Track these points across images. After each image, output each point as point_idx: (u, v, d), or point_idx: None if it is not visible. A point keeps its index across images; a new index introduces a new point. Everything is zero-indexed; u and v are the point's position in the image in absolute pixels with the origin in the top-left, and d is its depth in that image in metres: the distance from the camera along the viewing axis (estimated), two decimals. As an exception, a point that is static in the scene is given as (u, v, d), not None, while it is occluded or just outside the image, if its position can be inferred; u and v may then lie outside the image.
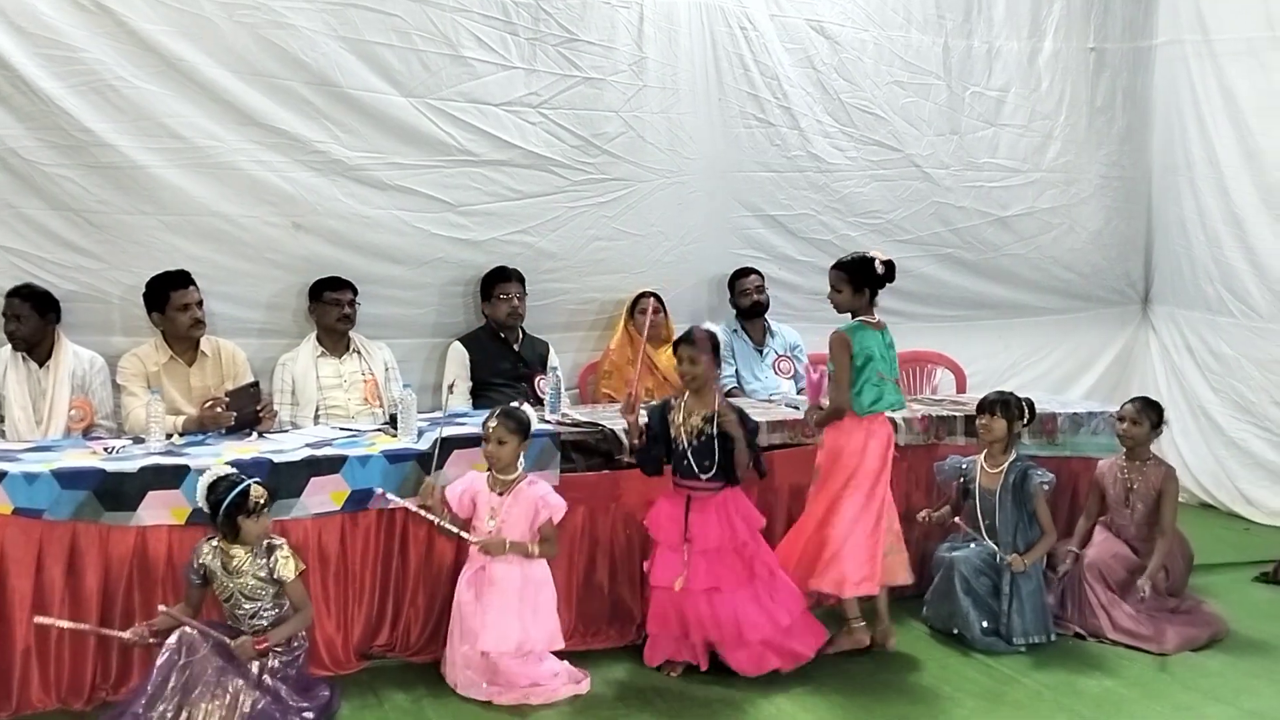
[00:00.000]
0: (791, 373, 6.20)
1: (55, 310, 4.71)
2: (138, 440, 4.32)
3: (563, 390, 5.02)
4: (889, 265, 4.39)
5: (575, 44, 5.65)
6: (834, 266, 4.45)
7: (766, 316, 6.27)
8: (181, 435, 4.47)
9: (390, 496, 4.07)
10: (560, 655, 4.09)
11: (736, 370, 6.12)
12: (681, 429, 4.20)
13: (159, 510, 3.86)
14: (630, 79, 5.83)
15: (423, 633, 4.27)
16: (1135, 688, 4.13)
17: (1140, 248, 7.43)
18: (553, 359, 5.63)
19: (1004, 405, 4.66)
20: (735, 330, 6.23)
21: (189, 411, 4.72)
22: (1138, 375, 7.40)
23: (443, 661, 4.11)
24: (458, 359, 5.53)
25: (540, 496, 4.04)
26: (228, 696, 3.51)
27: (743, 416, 4.20)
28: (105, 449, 4.10)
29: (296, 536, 4.01)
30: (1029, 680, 4.19)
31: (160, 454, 4.06)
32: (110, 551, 3.81)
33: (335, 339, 5.22)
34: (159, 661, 3.52)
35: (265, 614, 3.73)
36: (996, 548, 4.55)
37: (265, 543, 3.75)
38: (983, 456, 4.73)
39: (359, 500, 4.13)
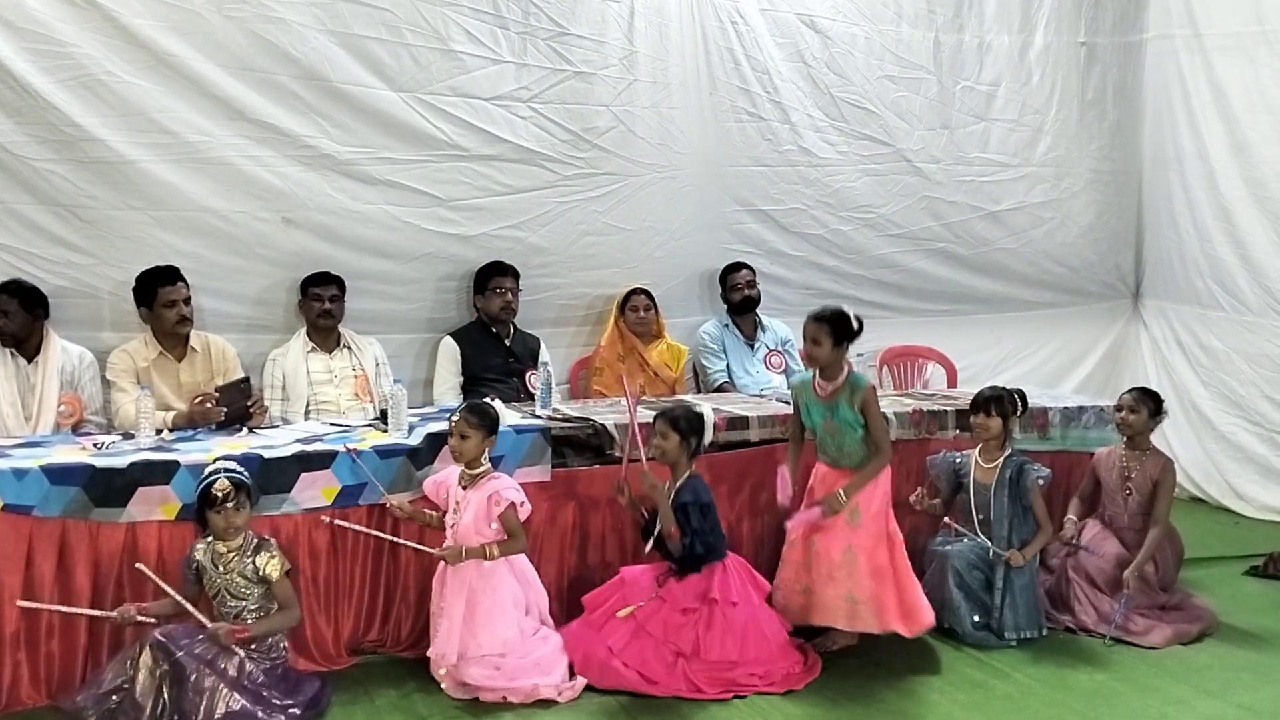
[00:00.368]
0: (783, 367, 6.21)
1: (43, 306, 4.69)
2: (127, 436, 4.30)
3: (554, 385, 5.01)
4: (860, 321, 4.32)
5: (566, 38, 5.64)
6: (816, 319, 4.26)
7: (758, 311, 6.27)
8: (171, 431, 4.46)
9: (340, 522, 4.07)
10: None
11: (728, 365, 6.13)
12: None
13: (149, 506, 3.84)
14: (621, 73, 5.82)
15: (413, 628, 4.26)
16: (1126, 682, 4.14)
17: (1131, 242, 7.45)
18: (544, 354, 5.64)
19: (998, 402, 4.66)
20: (726, 325, 6.24)
21: (179, 407, 4.71)
22: (1128, 369, 7.41)
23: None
24: (449, 354, 5.52)
25: (495, 490, 3.99)
26: (205, 696, 3.49)
27: (688, 503, 4.12)
28: (95, 445, 4.09)
29: (287, 532, 4.01)
30: (1020, 674, 4.20)
31: (150, 450, 4.05)
32: (100, 548, 3.80)
33: (324, 334, 5.21)
34: (133, 657, 3.55)
35: (251, 612, 3.72)
36: (989, 543, 4.55)
37: (254, 541, 3.74)
38: (977, 452, 4.73)
39: (350, 496, 4.12)
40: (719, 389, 6.02)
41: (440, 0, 5.32)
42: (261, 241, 5.14)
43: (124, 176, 4.82)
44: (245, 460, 3.89)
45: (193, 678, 3.50)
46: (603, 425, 4.51)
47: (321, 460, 4.08)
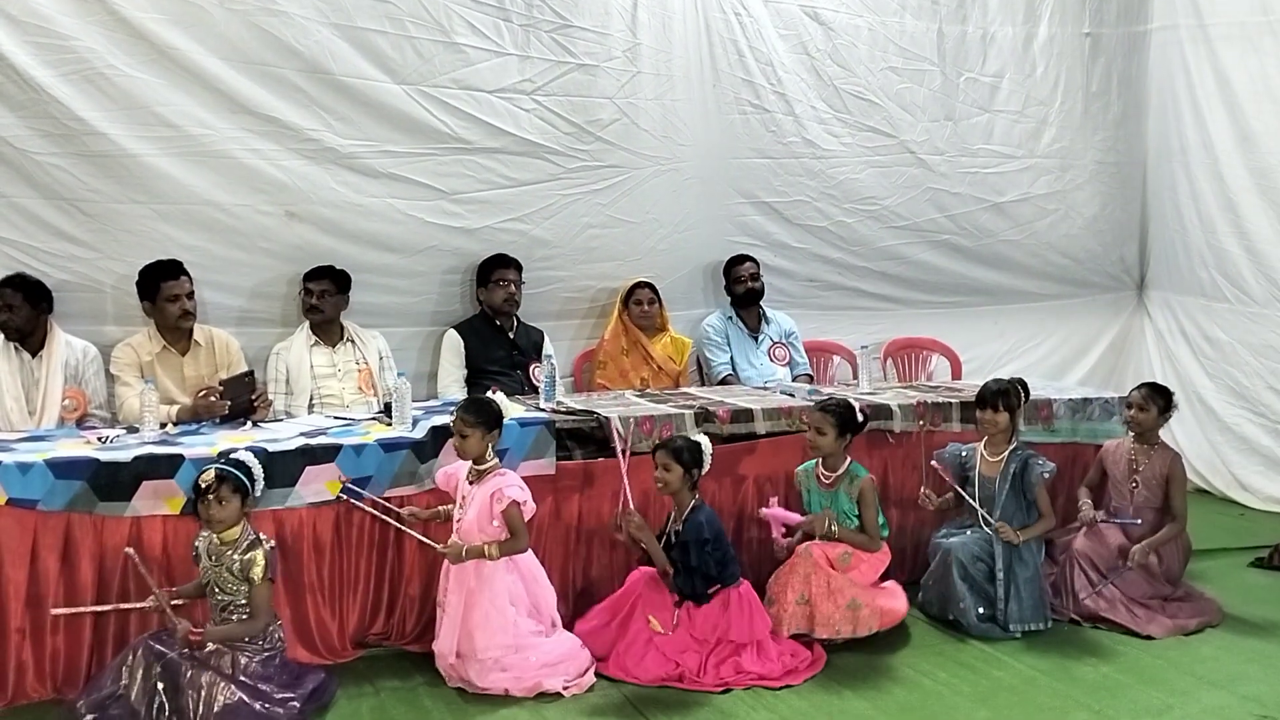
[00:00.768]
0: (787, 359, 6.21)
1: (48, 300, 4.69)
2: (131, 430, 4.30)
3: (558, 378, 5.01)
4: (866, 415, 4.59)
5: (569, 30, 5.63)
6: (821, 409, 4.48)
7: (762, 303, 6.26)
8: (176, 425, 4.46)
9: (354, 499, 4.07)
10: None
11: (731, 357, 6.12)
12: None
13: (153, 500, 3.84)
14: (624, 65, 5.81)
15: (418, 621, 4.26)
16: (1131, 673, 4.14)
17: (1135, 233, 7.44)
18: (548, 347, 5.64)
19: (1004, 396, 4.64)
20: (730, 317, 6.23)
21: (183, 401, 4.71)
22: (1133, 361, 7.41)
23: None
24: (452, 346, 5.52)
25: (499, 488, 3.95)
26: (202, 692, 3.48)
27: (689, 542, 4.12)
28: (99, 439, 4.09)
29: (291, 526, 4.01)
30: (1024, 666, 4.19)
31: (154, 444, 4.04)
32: (105, 541, 3.80)
33: (325, 328, 5.21)
34: (127, 663, 3.55)
35: (238, 608, 3.69)
36: (989, 518, 4.57)
37: (250, 539, 3.71)
38: (983, 445, 4.73)
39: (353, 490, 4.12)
40: (723, 381, 6.02)
41: (443, -8, 5.32)
42: (264, 235, 5.14)
43: (126, 170, 4.82)
44: (231, 452, 3.86)
45: (187, 675, 3.50)
46: (607, 418, 4.51)
47: (326, 454, 4.08)
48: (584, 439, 4.50)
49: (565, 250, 5.85)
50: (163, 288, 4.75)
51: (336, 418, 4.71)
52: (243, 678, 3.58)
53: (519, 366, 5.57)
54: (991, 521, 4.55)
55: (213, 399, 4.53)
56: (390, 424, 4.40)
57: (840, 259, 6.64)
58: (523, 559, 4.05)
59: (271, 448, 4.00)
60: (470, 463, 4.06)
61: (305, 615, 4.09)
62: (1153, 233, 7.37)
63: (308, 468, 4.04)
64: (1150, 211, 7.36)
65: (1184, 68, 6.91)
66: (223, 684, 3.51)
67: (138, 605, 3.66)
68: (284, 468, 3.99)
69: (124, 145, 4.79)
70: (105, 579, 3.80)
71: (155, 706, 3.49)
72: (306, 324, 5.20)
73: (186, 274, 4.82)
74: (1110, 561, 4.69)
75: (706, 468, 4.26)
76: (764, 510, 4.48)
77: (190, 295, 4.82)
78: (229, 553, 3.68)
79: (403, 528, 4.07)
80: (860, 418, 4.50)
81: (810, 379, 6.17)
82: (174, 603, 3.61)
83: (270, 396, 4.91)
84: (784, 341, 6.25)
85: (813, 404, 4.66)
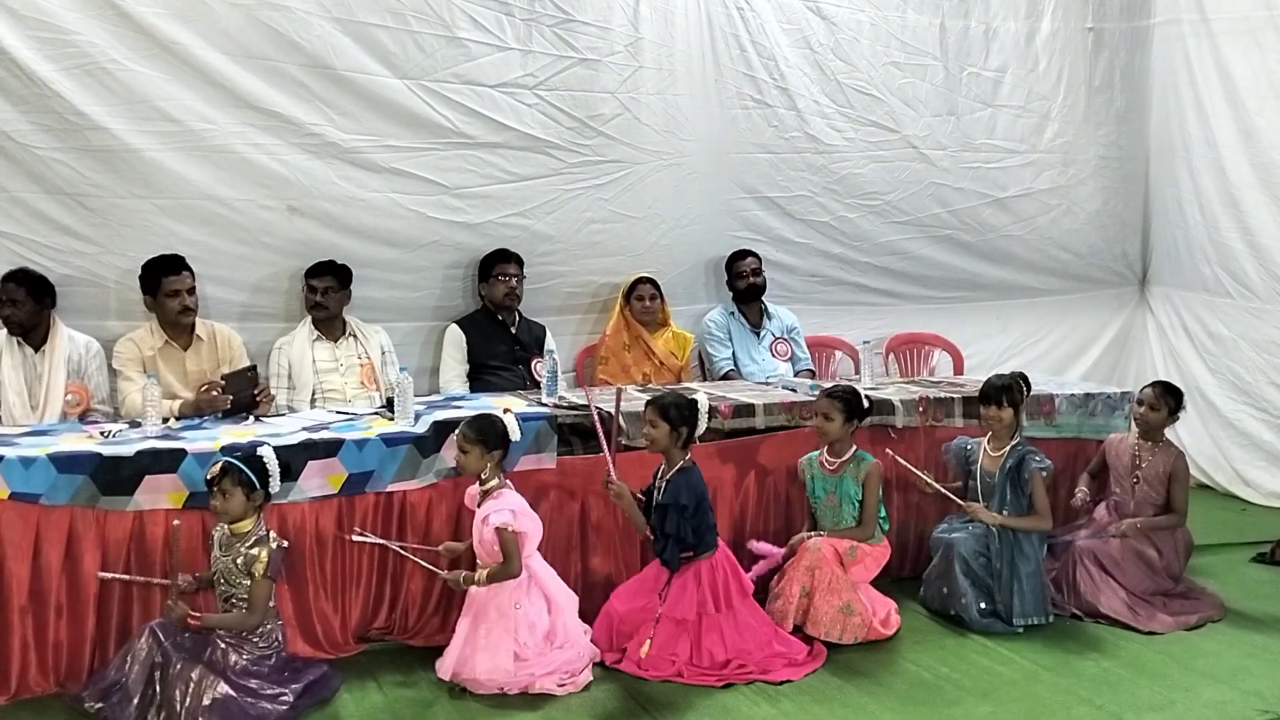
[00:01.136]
0: (789, 355, 6.21)
1: (51, 295, 4.70)
2: (134, 424, 4.30)
3: (559, 373, 5.01)
4: (872, 402, 4.64)
5: (571, 25, 5.62)
6: (829, 395, 4.52)
7: (764, 299, 6.26)
8: (178, 419, 4.46)
9: (359, 537, 4.09)
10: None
11: (733, 353, 6.12)
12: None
13: (156, 494, 3.85)
14: (626, 60, 5.80)
15: (420, 616, 4.27)
16: (1132, 668, 4.14)
17: (1138, 228, 7.43)
18: (549, 342, 5.64)
19: (1008, 391, 4.64)
20: (732, 313, 6.23)
21: (185, 395, 4.71)
22: (1135, 356, 7.41)
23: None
24: (454, 341, 5.52)
25: (489, 511, 3.90)
26: (191, 685, 3.50)
27: (669, 505, 4.09)
28: (102, 433, 4.09)
29: (294, 520, 4.02)
30: (1026, 661, 4.20)
31: (157, 438, 4.05)
32: (108, 536, 3.80)
33: (327, 323, 5.21)
34: (132, 649, 3.59)
35: (239, 602, 3.71)
36: (958, 500, 4.65)
37: (260, 534, 3.72)
38: (986, 440, 4.73)
39: (356, 484, 4.12)
40: (725, 377, 6.02)
41: (445, -13, 5.32)
42: (266, 230, 5.14)
43: (129, 165, 4.82)
44: (251, 449, 3.84)
45: (177, 667, 3.52)
46: (609, 413, 4.50)
47: (328, 448, 4.08)
48: (585, 434, 4.49)
49: (567, 245, 5.84)
50: (164, 283, 4.75)
51: (339, 412, 4.71)
52: (232, 674, 3.60)
53: (521, 361, 5.57)
54: (962, 503, 4.61)
55: (215, 394, 4.53)
56: (392, 419, 4.41)
57: (842, 254, 6.63)
58: (546, 578, 4.04)
59: (274, 442, 4.00)
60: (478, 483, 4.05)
61: (307, 609, 4.09)
62: (1155, 228, 7.36)
63: (310, 462, 4.04)
64: (1153, 207, 7.35)
65: (1187, 63, 6.90)
66: (212, 678, 3.53)
67: (156, 580, 3.72)
68: (286, 462, 3.98)
69: (126, 140, 4.79)
70: (108, 572, 3.79)
71: (149, 694, 3.53)
72: (309, 319, 5.20)
73: (189, 269, 4.82)
74: (1113, 557, 4.69)
75: (701, 428, 4.23)
76: (752, 544, 4.49)
77: (192, 290, 4.82)
78: (238, 545, 3.69)
79: (417, 560, 4.08)
80: (867, 403, 4.53)
81: (812, 374, 6.17)
82: (188, 588, 3.68)
83: (272, 391, 4.91)
84: (786, 337, 6.25)
85: (816, 396, 4.67)
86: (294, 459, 3.99)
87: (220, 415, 4.53)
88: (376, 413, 4.63)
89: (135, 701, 3.51)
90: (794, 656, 4.13)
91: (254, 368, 4.79)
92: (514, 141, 5.56)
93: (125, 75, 4.74)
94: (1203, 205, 6.85)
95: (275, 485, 3.76)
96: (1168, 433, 4.99)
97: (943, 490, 4.69)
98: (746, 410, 4.78)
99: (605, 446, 4.21)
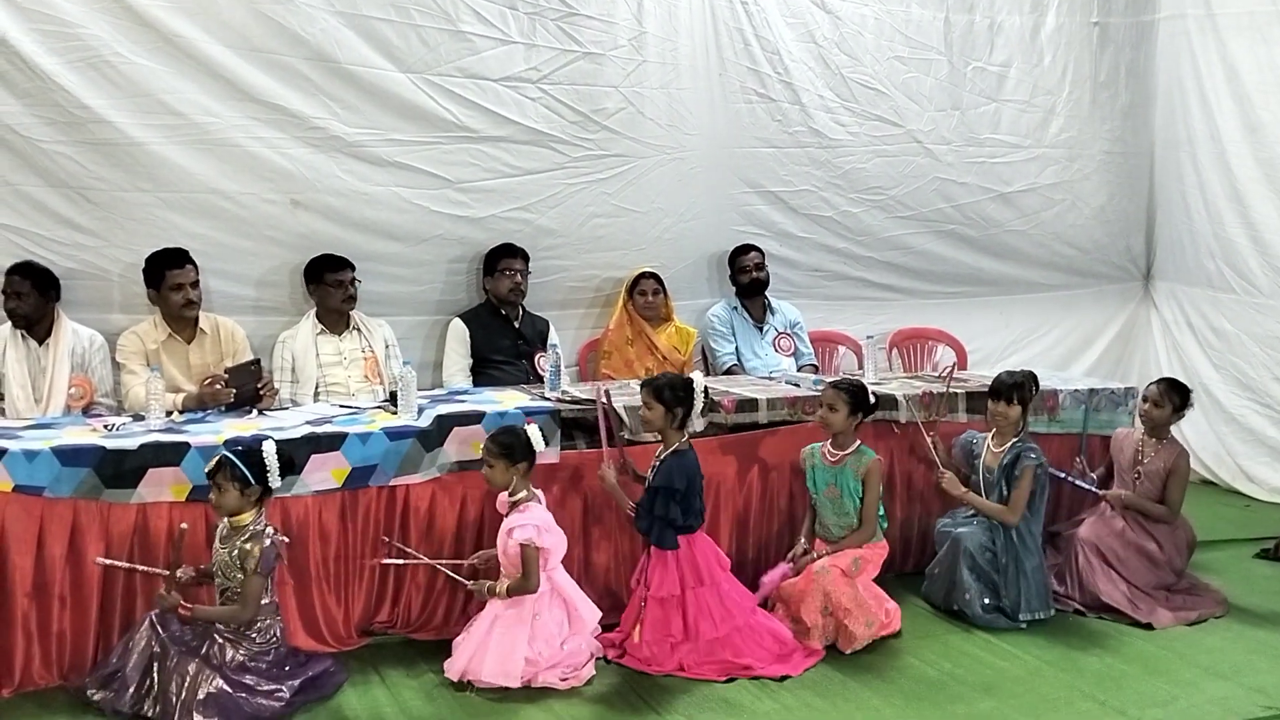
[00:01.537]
0: (792, 350, 6.20)
1: (55, 288, 4.70)
2: (137, 418, 4.31)
3: (563, 368, 5.00)
4: (878, 397, 4.62)
5: (574, 18, 5.61)
6: (834, 386, 4.49)
7: (767, 293, 6.25)
8: (181, 413, 4.47)
9: (386, 560, 4.11)
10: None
11: (736, 348, 6.12)
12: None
13: (159, 487, 3.85)
14: (630, 54, 5.79)
15: (424, 610, 4.27)
16: (1136, 664, 4.14)
17: (1142, 224, 7.42)
18: (553, 336, 5.64)
19: (1019, 389, 4.63)
20: (735, 308, 6.22)
21: (189, 389, 4.71)
22: (1139, 352, 7.41)
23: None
24: (458, 335, 5.52)
25: (514, 525, 3.92)
26: (187, 679, 3.51)
27: (658, 489, 4.10)
28: (105, 426, 4.09)
29: (297, 514, 4.02)
30: (1029, 656, 4.20)
31: (160, 431, 4.06)
32: (111, 529, 3.81)
33: (336, 317, 5.21)
34: (132, 638, 3.61)
35: (234, 596, 3.71)
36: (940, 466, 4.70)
37: (257, 530, 3.71)
38: (990, 436, 4.73)
39: (360, 478, 4.12)
40: (728, 372, 6.01)
41: (448, -19, 5.31)
42: (270, 223, 5.13)
43: (132, 158, 4.82)
44: (255, 442, 3.82)
45: (173, 661, 3.53)
46: (613, 407, 4.50)
47: (331, 442, 4.08)
48: (589, 429, 4.50)
49: (570, 239, 5.84)
50: (167, 276, 4.75)
51: (342, 406, 4.71)
52: (228, 669, 3.60)
53: (524, 356, 5.57)
54: (942, 471, 4.66)
55: (218, 387, 4.53)
56: (395, 412, 4.40)
57: (846, 249, 6.62)
58: (567, 590, 4.04)
59: (277, 436, 3.99)
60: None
61: (310, 603, 4.09)
62: (1159, 223, 7.35)
63: (313, 456, 4.04)
64: (1157, 202, 7.34)
65: (1192, 57, 6.88)
66: (208, 673, 3.54)
67: (154, 570, 3.72)
68: (289, 456, 3.98)
69: (130, 133, 4.78)
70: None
71: (146, 685, 3.55)
72: (312, 312, 5.20)
73: (192, 262, 4.82)
74: (1115, 551, 4.69)
75: (698, 407, 4.24)
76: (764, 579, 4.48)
77: (195, 284, 4.81)
78: (236, 539, 3.69)
79: (444, 569, 4.11)
80: (873, 398, 4.51)
81: (815, 369, 6.17)
82: (187, 580, 3.70)
83: (276, 385, 4.91)
84: (789, 332, 6.25)
85: (819, 390, 4.66)
86: (297, 453, 3.97)
87: (223, 409, 4.53)
88: (380, 407, 4.63)
89: (132, 690, 3.54)
90: (783, 650, 4.13)
91: (257, 361, 4.79)
92: (517, 135, 5.55)
93: (129, 68, 4.73)
94: (1207, 200, 6.84)
95: (275, 480, 3.74)
96: (1173, 429, 4.98)
97: (934, 455, 4.70)
98: (749, 405, 4.77)
99: (603, 439, 4.26)
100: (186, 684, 3.50)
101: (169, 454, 3.87)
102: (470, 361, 5.51)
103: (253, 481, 3.69)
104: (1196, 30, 6.84)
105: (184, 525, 3.65)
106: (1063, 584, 4.70)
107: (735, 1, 6.10)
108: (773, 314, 6.26)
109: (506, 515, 4.00)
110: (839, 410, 4.43)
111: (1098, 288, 7.38)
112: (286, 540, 3.83)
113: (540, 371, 5.33)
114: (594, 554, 4.49)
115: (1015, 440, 4.64)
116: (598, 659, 4.07)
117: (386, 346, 5.33)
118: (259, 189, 5.07)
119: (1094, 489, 4.92)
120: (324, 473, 4.07)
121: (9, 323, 4.62)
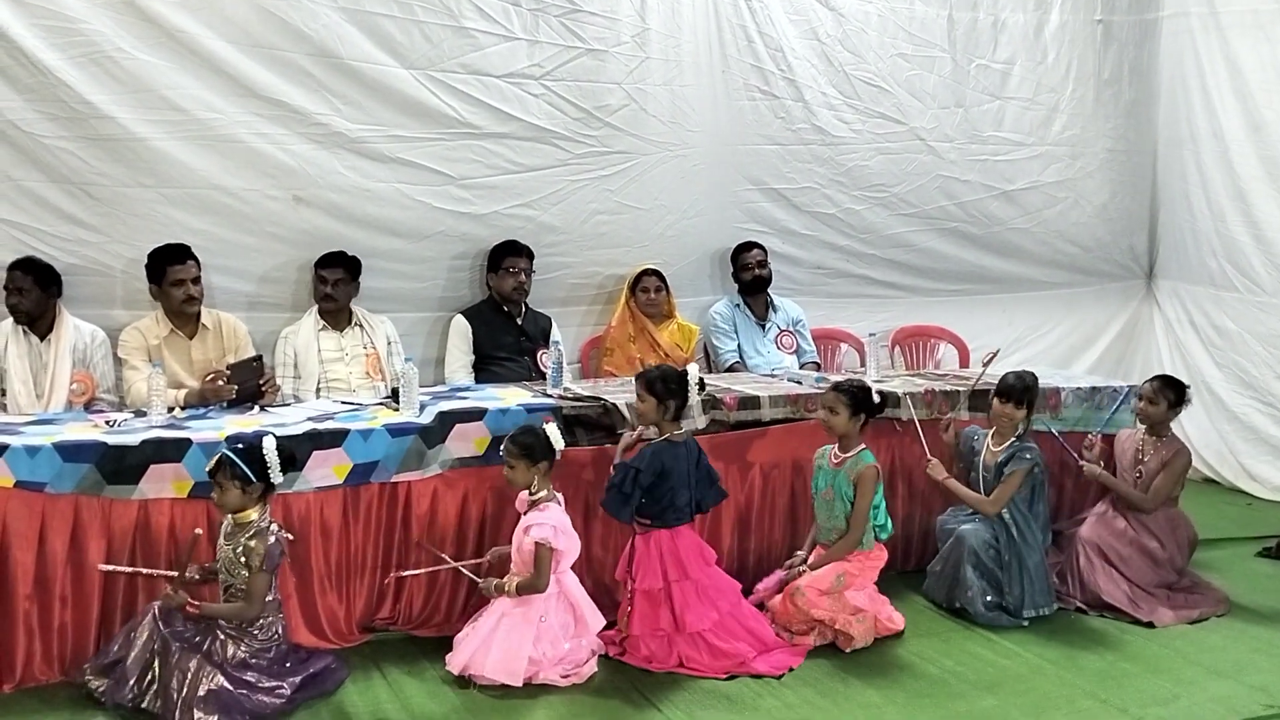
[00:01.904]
0: (794, 347, 6.19)
1: (57, 283, 4.70)
2: (139, 414, 4.30)
3: (565, 365, 5.00)
4: (883, 398, 4.53)
5: (578, 15, 5.61)
6: (836, 388, 4.44)
7: (769, 291, 6.24)
8: (183, 409, 4.46)
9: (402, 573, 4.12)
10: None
11: (739, 345, 6.11)
12: None
13: (161, 483, 3.85)
14: (633, 51, 5.78)
15: (425, 606, 4.27)
16: (1138, 662, 4.14)
17: (1145, 222, 7.41)
18: (555, 333, 5.61)
19: (1027, 392, 4.62)
20: (738, 305, 6.22)
21: (190, 385, 4.71)
22: (1141, 350, 7.40)
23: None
24: (460, 332, 5.52)
25: (531, 524, 3.93)
26: (188, 675, 3.51)
27: (627, 466, 4.12)
28: (107, 422, 4.09)
29: (299, 510, 4.02)
30: (1031, 654, 4.20)
31: (162, 427, 4.05)
32: (113, 525, 3.81)
33: (334, 314, 5.20)
34: (134, 628, 3.62)
35: (239, 593, 3.71)
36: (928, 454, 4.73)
37: (261, 527, 3.71)
38: (990, 435, 4.72)
39: (361, 474, 4.12)
40: (730, 369, 6.01)
41: (451, -24, 5.30)
42: (272, 219, 5.13)
43: (134, 154, 4.81)
44: (256, 439, 3.82)
45: (175, 657, 3.53)
46: (614, 404, 4.50)
47: (333, 438, 4.08)
48: (591, 425, 4.50)
49: (573, 236, 5.83)
50: (169, 272, 4.74)
51: (344, 402, 4.71)
52: (229, 666, 3.61)
53: (526, 353, 5.57)
54: (928, 454, 4.68)
55: (220, 383, 4.53)
56: (398, 409, 4.40)
57: (848, 246, 6.62)
58: (574, 591, 4.04)
59: (279, 432, 3.99)
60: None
61: (312, 599, 4.10)
62: (1162, 221, 7.35)
63: (315, 452, 4.04)
64: (1160, 200, 7.34)
65: (1195, 56, 6.88)
66: (209, 670, 3.54)
67: (160, 572, 3.72)
68: (291, 452, 3.97)
69: (132, 129, 4.78)
70: (113, 561, 3.80)
71: (148, 677, 3.56)
72: (315, 308, 5.19)
73: (194, 258, 4.81)
74: (1117, 550, 4.69)
75: (693, 398, 4.26)
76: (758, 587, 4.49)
77: (197, 280, 4.81)
78: (239, 536, 3.69)
79: (462, 569, 4.11)
80: (877, 399, 4.46)
81: (818, 366, 6.17)
82: (194, 580, 3.70)
83: (278, 381, 4.91)
84: (791, 329, 6.24)
85: (821, 389, 4.65)
86: (299, 449, 3.98)
87: (225, 405, 4.53)
88: (382, 403, 4.63)
89: (132, 683, 3.54)
90: (769, 645, 4.14)
91: (259, 357, 4.78)
92: (520, 132, 5.55)
93: (131, 64, 4.73)
94: (1210, 199, 6.83)
95: (276, 477, 3.73)
96: (1175, 429, 4.97)
97: (923, 440, 4.72)
98: (751, 402, 4.77)
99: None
100: (188, 680, 3.50)
101: (171, 450, 3.87)
102: (472, 358, 5.51)
103: (253, 479, 3.68)
104: (1200, 28, 6.83)
105: (198, 530, 3.66)
106: (1064, 583, 4.70)
107: (739, -2, 6.10)
108: (775, 311, 6.26)
109: (525, 513, 4.00)
110: (839, 413, 4.40)
111: (1100, 286, 7.37)
112: (291, 537, 3.83)
113: (542, 368, 5.33)
114: (595, 549, 4.49)
115: (1014, 441, 4.64)
116: (599, 656, 4.06)
117: (389, 343, 5.32)
118: (261, 185, 5.07)
119: (1076, 455, 4.93)
120: (326, 469, 4.07)
121: (11, 318, 4.62)
